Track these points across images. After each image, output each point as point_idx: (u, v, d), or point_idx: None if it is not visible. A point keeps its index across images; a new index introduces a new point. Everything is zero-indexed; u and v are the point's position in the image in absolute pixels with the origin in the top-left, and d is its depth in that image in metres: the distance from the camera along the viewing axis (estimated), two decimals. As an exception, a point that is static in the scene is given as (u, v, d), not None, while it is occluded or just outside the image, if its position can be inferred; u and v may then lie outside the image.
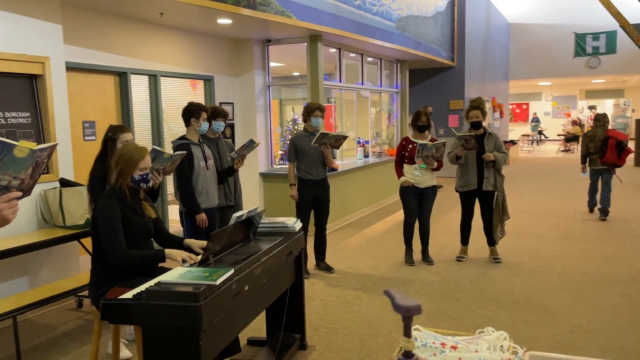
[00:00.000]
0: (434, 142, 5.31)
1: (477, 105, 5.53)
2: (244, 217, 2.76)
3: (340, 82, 8.02)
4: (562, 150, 20.97)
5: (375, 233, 7.17)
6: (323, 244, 5.47)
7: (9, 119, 4.14)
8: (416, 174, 5.47)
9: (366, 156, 9.26)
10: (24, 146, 1.58)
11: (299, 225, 3.17)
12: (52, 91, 4.39)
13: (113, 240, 2.67)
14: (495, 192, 5.56)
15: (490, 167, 5.50)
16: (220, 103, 6.95)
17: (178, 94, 6.46)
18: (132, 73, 5.60)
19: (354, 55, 8.80)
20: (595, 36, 17.75)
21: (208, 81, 6.79)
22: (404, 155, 5.56)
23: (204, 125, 4.37)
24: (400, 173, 5.59)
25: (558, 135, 24.83)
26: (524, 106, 29.13)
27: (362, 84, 8.86)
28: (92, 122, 5.25)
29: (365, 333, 3.90)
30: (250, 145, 4.49)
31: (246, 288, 2.43)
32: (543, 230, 7.15)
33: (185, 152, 3.61)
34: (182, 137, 4.35)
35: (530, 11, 18.42)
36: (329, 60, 9.22)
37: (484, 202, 5.63)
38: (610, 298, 4.52)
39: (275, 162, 7.66)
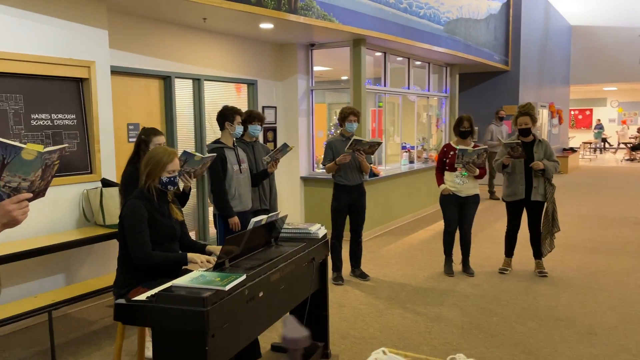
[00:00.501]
0: (475, 148, 5.13)
1: (527, 111, 5.28)
2: (263, 222, 2.74)
3: (385, 86, 7.91)
4: (627, 159, 19.85)
5: (417, 241, 7.00)
6: (358, 250, 5.39)
7: (55, 121, 4.33)
8: (457, 182, 5.30)
9: (411, 162, 9.09)
10: (31, 149, 1.60)
11: (322, 231, 3.12)
12: (97, 94, 4.56)
13: (137, 240, 2.71)
14: (545, 203, 5.29)
15: (540, 176, 5.24)
16: (263, 107, 7.01)
17: (223, 98, 6.56)
18: (177, 77, 5.74)
19: (400, 59, 8.67)
20: (665, 39, 16.70)
21: (251, 85, 6.86)
22: (445, 162, 5.40)
23: (238, 129, 4.40)
24: (440, 181, 5.44)
25: (620, 142, 23.57)
26: (587, 112, 27.82)
27: (408, 88, 8.70)
28: (137, 124, 5.40)
29: (393, 344, 3.79)
30: (284, 149, 4.48)
31: (260, 294, 2.40)
32: (596, 244, 6.76)
33: (215, 154, 3.64)
34: (217, 141, 4.40)
35: (593, 13, 17.57)
36: (377, 64, 9.14)
37: (532, 212, 5.37)
38: (664, 320, 4.20)
39: (317, 166, 7.64)
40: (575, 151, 17.59)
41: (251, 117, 4.73)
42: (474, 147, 5.25)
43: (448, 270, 5.50)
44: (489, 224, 8.05)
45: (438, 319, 4.27)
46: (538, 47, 13.54)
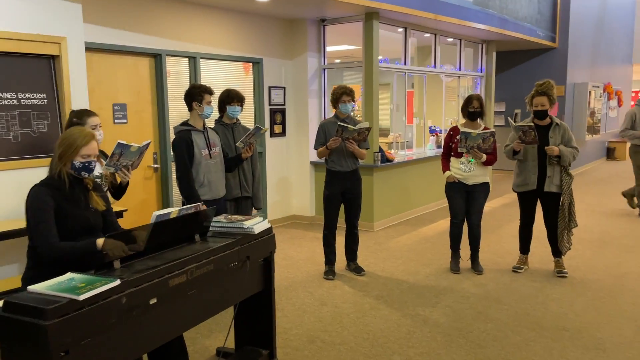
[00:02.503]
0: (481, 131, 4.56)
1: (544, 90, 4.64)
2: (172, 216, 2.38)
3: (405, 64, 7.34)
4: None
5: (432, 232, 6.47)
6: (354, 242, 4.97)
7: (22, 100, 4.13)
8: (462, 169, 4.75)
9: (439, 146, 8.47)
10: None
11: (262, 226, 2.73)
12: (68, 73, 4.32)
13: (41, 230, 2.43)
14: (562, 195, 4.66)
15: (555, 164, 4.61)
16: (270, 87, 6.64)
17: (227, 78, 6.24)
18: (168, 55, 5.45)
19: (428, 35, 8.04)
20: None
21: (257, 64, 6.50)
22: (451, 147, 4.86)
23: (208, 110, 4.04)
24: (445, 167, 4.90)
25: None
26: (657, 94, 25.61)
27: (435, 67, 8.07)
28: (124, 104, 5.17)
29: (362, 352, 3.38)
30: (257, 132, 4.11)
31: (153, 301, 2.06)
32: (635, 241, 5.99)
33: (149, 141, 3.29)
34: (184, 123, 4.07)
35: (661, -17, 15.93)
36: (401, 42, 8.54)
37: (547, 205, 4.76)
38: (694, 337, 3.55)
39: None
40: (637, 136, 16.16)
41: (229, 97, 4.38)
42: (484, 129, 4.68)
43: (454, 267, 4.99)
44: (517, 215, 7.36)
45: (424, 324, 3.80)
46: (593, 21, 12.36)
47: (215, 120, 4.53)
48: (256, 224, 2.67)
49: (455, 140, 4.75)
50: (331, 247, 4.91)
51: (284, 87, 6.85)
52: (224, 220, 2.70)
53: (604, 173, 11.80)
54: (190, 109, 4.02)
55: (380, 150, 6.69)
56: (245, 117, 6.53)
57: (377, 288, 4.56)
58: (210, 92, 4.07)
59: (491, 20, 8.16)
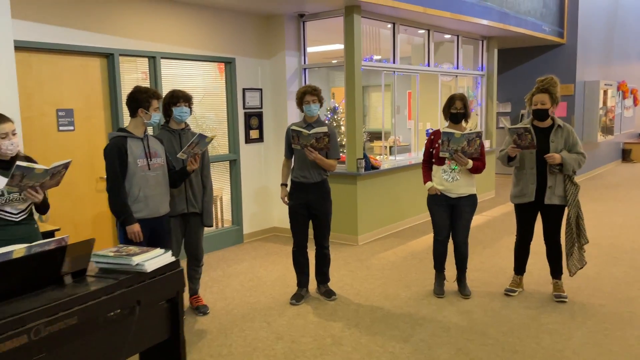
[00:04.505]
0: (465, 132, 3.97)
1: (546, 87, 4.03)
2: (15, 256, 1.84)
3: (394, 63, 6.76)
4: None
5: (421, 247, 5.88)
6: (324, 263, 4.40)
7: (-63, 107, 3.65)
8: (444, 178, 4.16)
9: (435, 151, 7.85)
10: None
11: (161, 261, 2.19)
12: (-7, 75, 3.84)
13: None
14: (566, 207, 4.04)
15: (556, 173, 4.00)
16: (244, 89, 6.11)
17: (197, 79, 5.74)
18: (122, 54, 4.96)
19: (422, 31, 7.46)
20: None
21: (228, 64, 5.97)
22: (432, 154, 4.27)
23: (155, 117, 3.52)
24: (426, 177, 4.32)
25: None
26: (677, 92, 24.60)
27: (429, 65, 7.47)
28: (70, 110, 4.69)
29: (309, 404, 2.81)
30: (201, 140, 3.57)
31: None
32: (649, 256, 5.33)
33: (69, 160, 2.78)
34: (121, 129, 3.56)
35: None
36: (402, 41, 7.99)
37: (548, 219, 4.14)
38: None
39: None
40: (655, 137, 15.34)
41: (174, 97, 3.87)
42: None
43: (437, 290, 4.39)
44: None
45: (391, 364, 3.23)
46: (604, 16, 11.63)
47: (161, 126, 4.01)
48: (150, 259, 2.12)
49: (437, 146, 4.17)
50: (302, 267, 4.36)
51: (261, 89, 6.32)
52: (111, 255, 2.16)
53: (619, 177, 11.06)
54: (134, 115, 3.49)
55: (365, 156, 6.11)
56: (218, 122, 6.02)
57: (347, 316, 3.99)
58: (158, 96, 3.55)
59: (490, 14, 7.54)
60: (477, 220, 7.08)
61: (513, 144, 3.99)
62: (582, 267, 4.17)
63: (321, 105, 4.17)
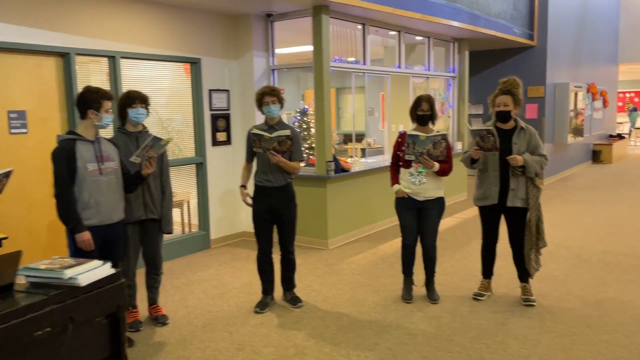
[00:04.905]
0: (431, 135, 3.89)
1: (508, 88, 3.99)
2: None
3: (364, 64, 6.67)
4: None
5: (392, 250, 5.79)
6: (289, 269, 4.27)
7: None
8: (411, 181, 4.07)
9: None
10: None
11: (98, 273, 2.03)
12: None
13: None
14: (528, 210, 3.99)
15: (519, 175, 3.95)
16: (211, 90, 5.95)
17: (161, 80, 5.57)
18: (79, 54, 4.75)
19: (393, 33, 7.40)
20: None
21: (194, 64, 5.80)
22: (400, 156, 4.18)
23: (107, 119, 3.34)
24: (394, 179, 4.23)
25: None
26: (644, 94, 25.18)
27: (400, 67, 7.41)
28: (22, 112, 4.47)
29: (266, 420, 2.68)
30: (156, 143, 3.41)
31: None
32: (618, 257, 5.33)
33: (10, 169, 2.59)
34: (70, 132, 3.37)
35: (645, -20, 15.42)
36: (374, 42, 7.93)
37: (511, 222, 4.09)
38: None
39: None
40: (623, 138, 15.62)
41: (130, 98, 3.70)
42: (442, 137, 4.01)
43: (405, 295, 4.30)
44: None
45: (355, 374, 3.11)
46: (574, 19, 11.77)
47: (117, 128, 3.84)
48: (85, 272, 1.97)
49: (404, 148, 4.08)
50: (266, 274, 4.22)
51: (228, 90, 6.16)
52: (42, 268, 1.99)
53: (589, 178, 11.19)
54: (84, 116, 3.31)
55: (335, 159, 6.01)
56: (184, 123, 5.85)
57: (312, 324, 3.86)
58: (109, 97, 3.37)
59: (460, 16, 7.52)
60: (448, 222, 7.04)
61: (476, 146, 3.93)
62: (538, 269, 4.13)
63: (282, 107, 4.04)
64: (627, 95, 24.98)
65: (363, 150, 8.91)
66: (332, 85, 10.35)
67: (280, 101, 4.01)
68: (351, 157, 7.21)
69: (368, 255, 5.65)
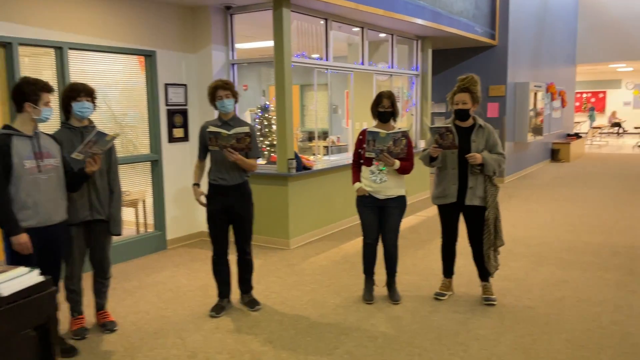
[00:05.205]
0: (391, 132, 3.81)
1: (467, 86, 3.94)
2: None
3: (327, 60, 6.55)
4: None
5: (355, 250, 5.69)
6: (246, 270, 4.12)
7: None
8: (372, 179, 3.98)
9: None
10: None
11: (25, 282, 1.85)
12: None
13: None
14: (486, 208, 3.95)
15: (478, 174, 3.90)
16: (167, 84, 5.72)
17: (114, 73, 5.31)
18: (22, 44, 4.47)
19: (357, 29, 7.30)
20: (683, 11, 14.96)
21: (148, 57, 5.56)
22: (361, 154, 4.08)
23: (46, 112, 3.12)
24: (355, 177, 4.13)
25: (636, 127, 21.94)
26: (601, 95, 26.04)
27: (363, 64, 7.33)
28: (-41, 105, 4.16)
29: None
30: (100, 139, 3.20)
31: None
32: (575, 255, 5.38)
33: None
34: (6, 126, 3.13)
35: (601, -17, 15.85)
36: (339, 39, 7.83)
37: (470, 220, 4.05)
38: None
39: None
40: (581, 137, 16.02)
41: (74, 90, 3.47)
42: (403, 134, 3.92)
43: (367, 296, 4.20)
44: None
45: (313, 381, 2.99)
46: (534, 20, 11.96)
47: (61, 123, 3.60)
48: (7, 281, 1.77)
49: (365, 146, 3.98)
50: (222, 275, 4.05)
51: (185, 85, 5.94)
52: (-43, 276, 1.79)
53: (548, 176, 11.40)
54: (21, 110, 3.07)
55: (296, 156, 5.87)
56: (138, 119, 5.60)
57: (270, 328, 3.72)
58: (48, 89, 3.14)
59: (423, 13, 7.49)
60: (410, 220, 7.00)
61: (435, 144, 3.86)
62: (497, 268, 4.10)
63: (236, 101, 3.88)
64: (584, 95, 25.79)
65: (327, 147, 8.81)
66: (296, 82, 10.25)
67: (235, 95, 3.85)
68: (314, 154, 7.09)
69: (330, 254, 5.54)
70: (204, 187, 3.94)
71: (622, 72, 23.55)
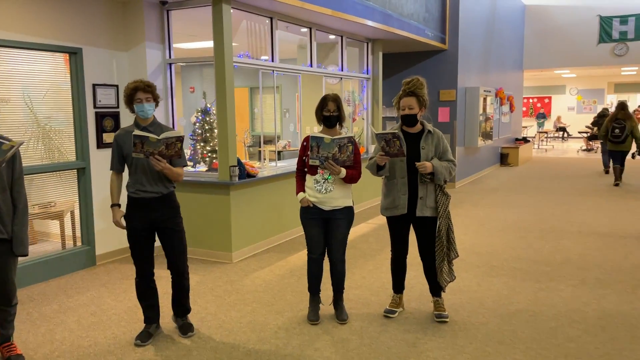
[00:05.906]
0: (336, 137, 3.51)
1: (412, 89, 3.69)
2: None
3: (272, 61, 6.21)
4: (584, 150, 18.70)
5: (301, 262, 5.36)
6: (182, 295, 3.70)
7: None
8: (317, 189, 3.66)
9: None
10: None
11: None
12: None
13: None
14: (438, 219, 3.70)
15: (428, 182, 3.65)
16: (95, 85, 5.22)
17: (33, 72, 4.78)
18: None
19: (305, 30, 7.00)
20: (623, 19, 15.46)
21: (73, 55, 5.06)
22: (305, 162, 3.76)
23: None
24: (300, 187, 3.80)
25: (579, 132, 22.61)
26: (547, 100, 26.82)
27: (312, 66, 7.02)
28: None
29: None
30: (-2, 145, 2.75)
31: None
32: (526, 263, 5.24)
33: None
34: None
35: (547, -10, 16.20)
36: (290, 41, 7.53)
37: (421, 233, 3.79)
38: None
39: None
40: (528, 141, 16.31)
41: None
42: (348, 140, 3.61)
43: (312, 315, 3.87)
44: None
45: (246, 421, 2.63)
46: (483, 25, 12.02)
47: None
48: None
49: (309, 153, 3.66)
50: (147, 299, 3.62)
51: (117, 86, 5.46)
52: None
53: (497, 180, 11.43)
54: None
55: (240, 163, 5.49)
56: (64, 122, 5.08)
57: (201, 358, 3.33)
58: None
59: (372, 14, 7.26)
60: (361, 229, 6.73)
61: (381, 152, 3.58)
62: (451, 281, 3.86)
63: (157, 105, 3.49)
64: (531, 100, 26.49)
65: (279, 153, 8.45)
66: (244, 84, 9.73)
67: (156, 99, 3.45)
68: (263, 159, 6.73)
69: (275, 268, 5.19)
70: (122, 199, 3.50)
71: (567, 77, 24.32)
